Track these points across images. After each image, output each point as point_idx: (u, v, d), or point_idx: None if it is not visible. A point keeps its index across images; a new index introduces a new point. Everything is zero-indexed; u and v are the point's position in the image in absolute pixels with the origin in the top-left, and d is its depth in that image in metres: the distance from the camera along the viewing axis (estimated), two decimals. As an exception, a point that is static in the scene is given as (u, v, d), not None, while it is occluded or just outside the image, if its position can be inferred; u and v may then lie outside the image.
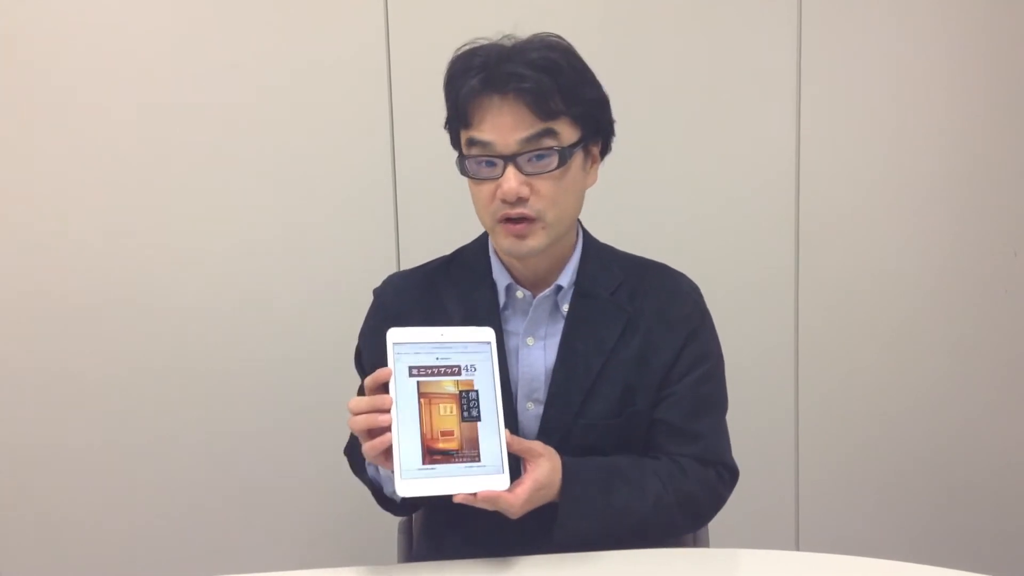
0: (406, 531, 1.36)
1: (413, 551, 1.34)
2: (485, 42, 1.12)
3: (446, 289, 1.21)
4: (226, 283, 1.75)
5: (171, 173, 1.71)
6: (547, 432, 1.15)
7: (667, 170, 1.79)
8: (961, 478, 1.90)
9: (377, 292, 1.27)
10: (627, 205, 1.75)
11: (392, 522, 1.35)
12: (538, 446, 1.08)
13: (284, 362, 1.77)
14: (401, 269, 1.41)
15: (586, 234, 1.23)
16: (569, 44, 1.12)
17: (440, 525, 1.23)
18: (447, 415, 0.99)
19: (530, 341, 1.17)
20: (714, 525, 1.23)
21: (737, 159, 1.79)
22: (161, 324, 1.75)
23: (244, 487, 1.80)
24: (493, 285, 1.19)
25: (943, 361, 1.87)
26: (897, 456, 1.89)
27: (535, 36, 1.11)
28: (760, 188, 1.81)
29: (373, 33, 1.71)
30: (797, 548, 1.88)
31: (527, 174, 1.08)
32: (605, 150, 1.18)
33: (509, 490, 0.99)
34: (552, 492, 1.07)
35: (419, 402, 0.99)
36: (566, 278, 1.17)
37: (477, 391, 1.01)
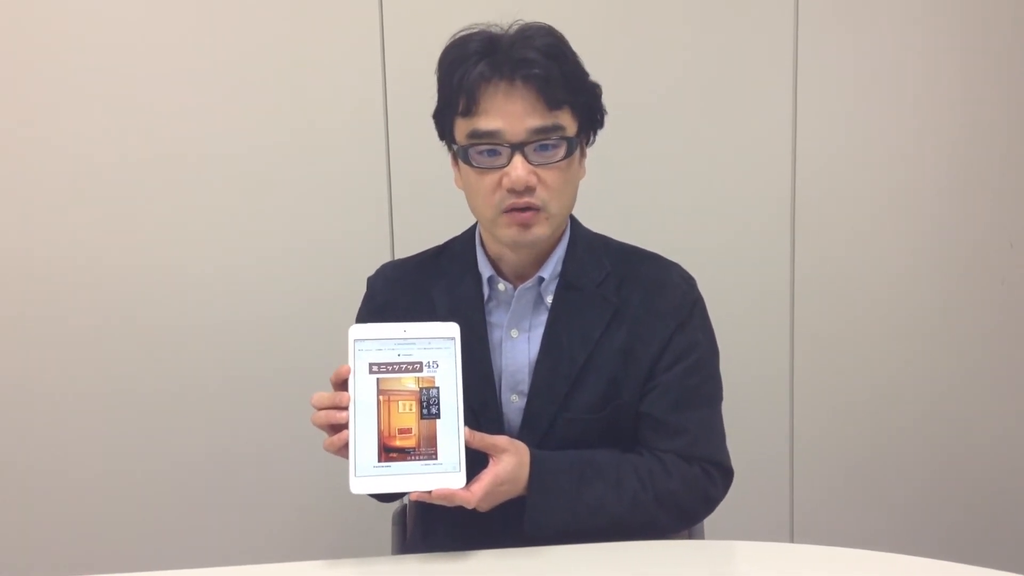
0: (400, 522, 1.36)
1: (407, 542, 1.34)
2: (479, 28, 1.10)
3: (434, 280, 1.21)
4: (222, 277, 1.75)
5: (166, 169, 1.71)
6: (531, 425, 1.15)
7: (664, 167, 1.78)
8: (955, 470, 1.90)
9: (370, 281, 1.27)
10: (623, 202, 1.75)
11: (386, 513, 1.35)
12: (503, 441, 1.06)
13: (278, 354, 1.77)
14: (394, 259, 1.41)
15: (575, 225, 1.22)
16: (560, 32, 1.11)
17: (434, 516, 1.22)
18: (406, 412, 0.99)
19: (514, 333, 1.17)
20: (709, 517, 1.23)
21: (733, 155, 1.79)
22: (155, 317, 1.75)
23: (238, 478, 1.81)
24: (479, 277, 1.19)
25: (939, 353, 1.87)
26: (892, 449, 1.89)
27: (530, 24, 1.10)
28: (756, 184, 1.80)
29: (368, 27, 1.71)
30: (791, 540, 1.88)
31: (534, 164, 1.07)
32: (588, 142, 1.17)
33: (466, 487, 0.99)
34: (518, 487, 1.06)
35: (378, 399, 0.99)
36: (548, 270, 1.16)
37: (438, 388, 1.00)
